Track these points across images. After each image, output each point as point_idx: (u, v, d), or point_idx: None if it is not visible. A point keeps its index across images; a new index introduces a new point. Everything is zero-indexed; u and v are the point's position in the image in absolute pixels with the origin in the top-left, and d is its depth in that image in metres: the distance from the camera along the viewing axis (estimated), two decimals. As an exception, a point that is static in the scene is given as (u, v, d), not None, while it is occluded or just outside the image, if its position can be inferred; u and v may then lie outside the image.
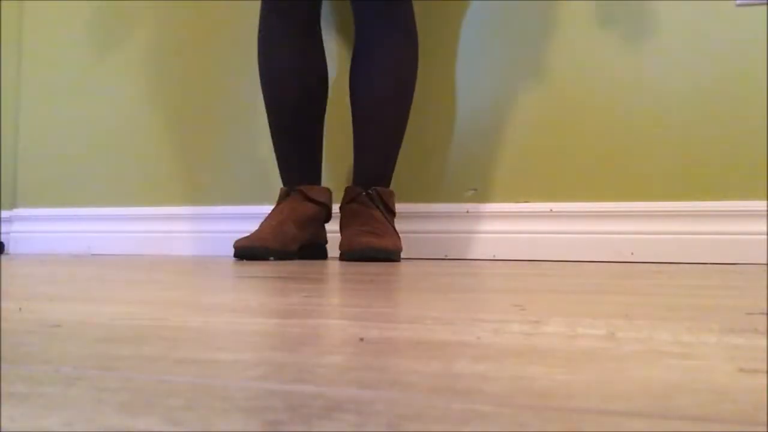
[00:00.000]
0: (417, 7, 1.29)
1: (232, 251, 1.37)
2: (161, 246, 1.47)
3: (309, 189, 1.17)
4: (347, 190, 1.18)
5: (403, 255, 1.20)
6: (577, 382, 0.19)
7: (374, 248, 1.05)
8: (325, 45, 1.22)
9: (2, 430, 0.14)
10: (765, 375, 0.19)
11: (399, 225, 1.22)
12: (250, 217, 1.40)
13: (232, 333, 0.28)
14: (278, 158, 1.19)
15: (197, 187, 1.49)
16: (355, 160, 1.18)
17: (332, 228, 1.27)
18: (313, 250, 1.21)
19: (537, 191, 1.26)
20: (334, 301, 0.40)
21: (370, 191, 1.15)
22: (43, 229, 1.61)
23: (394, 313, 0.35)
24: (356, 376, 0.19)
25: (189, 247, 1.44)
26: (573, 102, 1.25)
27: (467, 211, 1.29)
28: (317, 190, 1.18)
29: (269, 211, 1.22)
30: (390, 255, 1.06)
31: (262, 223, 1.14)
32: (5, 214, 1.65)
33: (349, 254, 1.06)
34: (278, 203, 1.18)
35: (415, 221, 1.30)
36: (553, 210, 1.24)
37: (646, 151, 1.21)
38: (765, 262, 1.10)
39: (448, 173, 1.32)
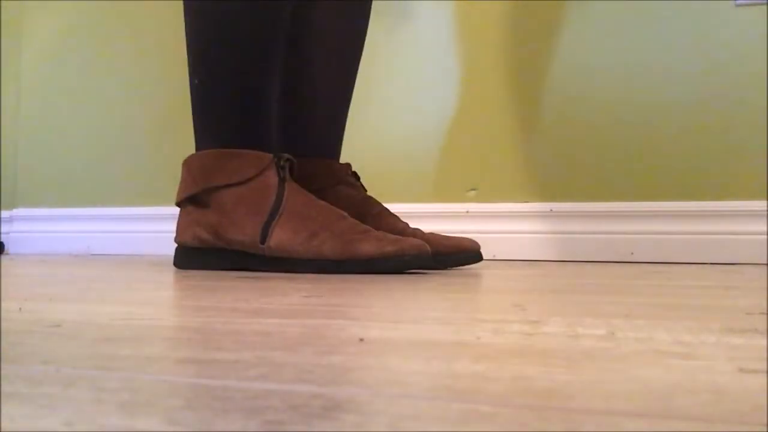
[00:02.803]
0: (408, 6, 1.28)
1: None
2: (161, 246, 1.47)
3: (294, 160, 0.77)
4: (328, 165, 0.88)
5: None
6: (577, 382, 0.19)
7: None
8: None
9: (2, 430, 0.14)
10: (765, 375, 0.19)
11: (399, 225, 1.21)
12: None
13: (232, 333, 0.28)
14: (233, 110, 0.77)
15: (197, 187, 1.49)
16: (312, 118, 0.90)
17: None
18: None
19: (537, 191, 1.26)
20: (334, 301, 0.40)
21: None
22: (43, 229, 1.61)
23: (394, 313, 0.35)
24: (356, 376, 0.19)
25: (189, 247, 1.44)
26: (573, 102, 1.25)
27: (467, 211, 1.29)
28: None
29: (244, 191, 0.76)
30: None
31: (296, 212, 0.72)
32: (5, 214, 1.65)
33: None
34: (242, 173, 0.74)
35: (415, 221, 1.30)
36: (553, 210, 1.24)
37: (646, 151, 1.21)
38: (765, 262, 1.10)
39: (448, 173, 1.31)
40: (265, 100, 0.77)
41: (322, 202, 0.74)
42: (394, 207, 1.25)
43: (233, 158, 0.75)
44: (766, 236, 1.11)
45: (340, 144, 0.94)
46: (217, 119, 0.77)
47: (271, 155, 0.75)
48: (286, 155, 0.76)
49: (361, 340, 0.26)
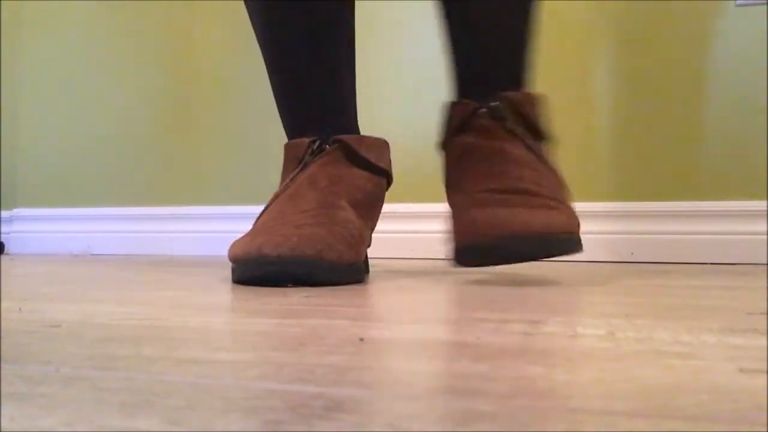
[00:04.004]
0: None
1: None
2: (161, 246, 1.47)
3: (358, 141, 0.63)
4: (452, 108, 0.70)
5: (402, 255, 1.19)
6: (577, 382, 0.19)
7: (530, 234, 0.51)
8: None
9: (2, 430, 0.14)
10: (765, 375, 0.19)
11: (398, 226, 1.21)
12: (250, 217, 1.40)
13: (232, 333, 0.28)
14: (284, 95, 0.69)
15: (197, 187, 1.49)
16: (456, 58, 0.74)
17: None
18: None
19: (537, 191, 1.26)
20: (334, 301, 0.40)
21: (493, 104, 0.64)
22: (43, 229, 1.61)
23: (394, 313, 0.35)
24: (356, 376, 0.19)
25: (189, 247, 1.44)
26: (571, 102, 1.25)
27: (467, 211, 1.28)
28: (370, 142, 0.65)
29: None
30: (565, 243, 0.53)
31: (272, 209, 0.62)
32: (5, 214, 1.65)
33: (475, 250, 0.55)
34: (289, 169, 0.65)
35: (415, 221, 1.30)
36: (553, 210, 1.24)
37: (646, 150, 1.21)
38: (765, 262, 1.10)
39: (448, 173, 1.31)
40: (314, 83, 0.67)
41: (318, 194, 0.59)
42: (399, 207, 1.25)
43: (287, 152, 0.68)
44: (766, 236, 1.11)
45: (521, 63, 0.74)
46: (280, 113, 0.71)
47: (306, 140, 0.63)
48: (330, 137, 0.63)
49: (361, 340, 0.26)
